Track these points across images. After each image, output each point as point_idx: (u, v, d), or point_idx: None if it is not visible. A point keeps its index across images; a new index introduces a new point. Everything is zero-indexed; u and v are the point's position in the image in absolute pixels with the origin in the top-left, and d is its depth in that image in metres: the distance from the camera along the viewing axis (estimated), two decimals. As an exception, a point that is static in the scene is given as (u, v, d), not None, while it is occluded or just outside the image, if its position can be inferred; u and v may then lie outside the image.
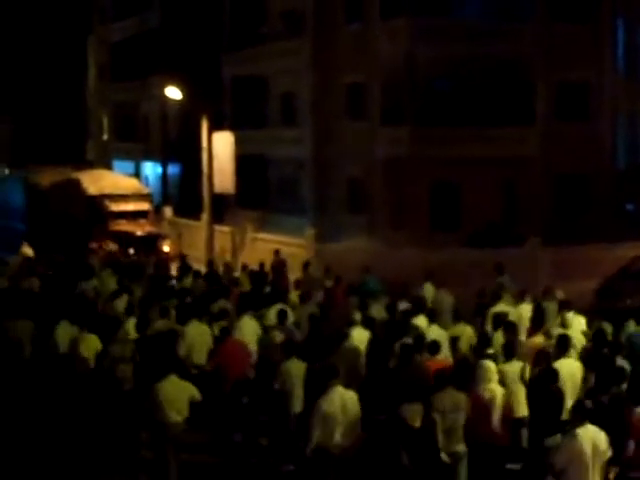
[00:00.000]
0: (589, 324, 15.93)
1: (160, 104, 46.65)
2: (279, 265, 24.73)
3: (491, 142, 33.16)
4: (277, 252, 25.47)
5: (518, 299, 17.80)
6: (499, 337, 14.58)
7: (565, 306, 16.20)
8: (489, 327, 16.15)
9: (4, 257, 25.85)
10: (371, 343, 14.49)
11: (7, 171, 61.62)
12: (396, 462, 11.59)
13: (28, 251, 27.91)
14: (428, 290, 19.44)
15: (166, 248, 32.71)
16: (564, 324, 15.28)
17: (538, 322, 15.68)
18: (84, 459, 13.45)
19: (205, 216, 31.01)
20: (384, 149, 34.29)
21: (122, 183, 37.03)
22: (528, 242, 27.54)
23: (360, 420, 11.35)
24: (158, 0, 50.41)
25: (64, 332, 15.69)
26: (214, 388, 14.03)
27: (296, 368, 13.12)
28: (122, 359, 14.28)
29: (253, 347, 14.96)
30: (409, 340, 13.71)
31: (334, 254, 27.24)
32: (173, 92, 34.28)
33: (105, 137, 60.85)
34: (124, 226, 33.38)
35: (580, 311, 16.60)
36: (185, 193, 45.60)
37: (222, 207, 36.35)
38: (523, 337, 15.68)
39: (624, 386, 11.77)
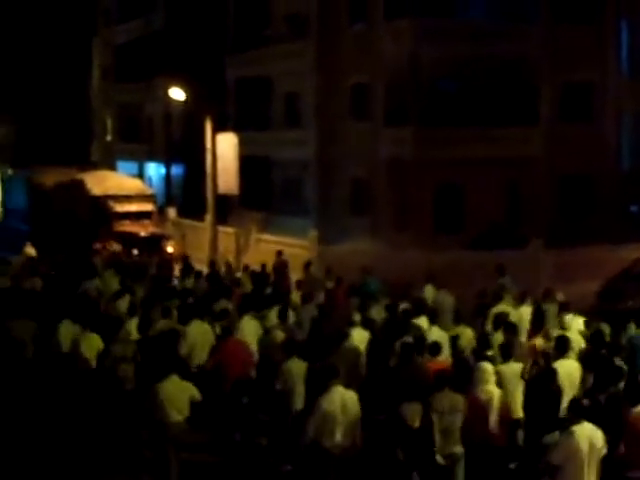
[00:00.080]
0: (589, 325, 15.89)
1: (164, 105, 46.67)
2: (281, 266, 24.72)
3: (495, 143, 33.14)
4: (279, 253, 25.46)
5: (519, 301, 17.78)
6: (499, 338, 14.57)
7: (564, 308, 16.19)
8: (490, 328, 16.13)
9: (7, 257, 25.90)
10: (371, 343, 14.51)
11: (11, 172, 61.64)
12: (393, 460, 11.61)
13: (31, 251, 27.97)
14: (429, 292, 19.44)
15: (170, 249, 32.73)
16: (563, 326, 15.28)
17: (538, 324, 15.66)
18: (86, 458, 13.45)
19: (209, 217, 31.05)
20: (388, 150, 34.28)
21: (126, 184, 37.08)
22: (531, 244, 27.51)
23: (360, 420, 11.36)
24: (162, 2, 50.49)
25: (66, 331, 15.72)
26: (214, 387, 14.04)
27: (297, 367, 13.15)
28: (123, 359, 14.30)
29: (254, 347, 15.00)
30: (409, 339, 13.72)
31: (337, 256, 27.20)
32: (177, 93, 34.34)
33: (109, 138, 60.93)
34: (128, 227, 33.41)
35: (582, 313, 16.58)
36: (189, 194, 45.60)
37: (226, 208, 36.37)
38: (523, 339, 15.66)
39: (621, 385, 11.78)
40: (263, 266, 23.49)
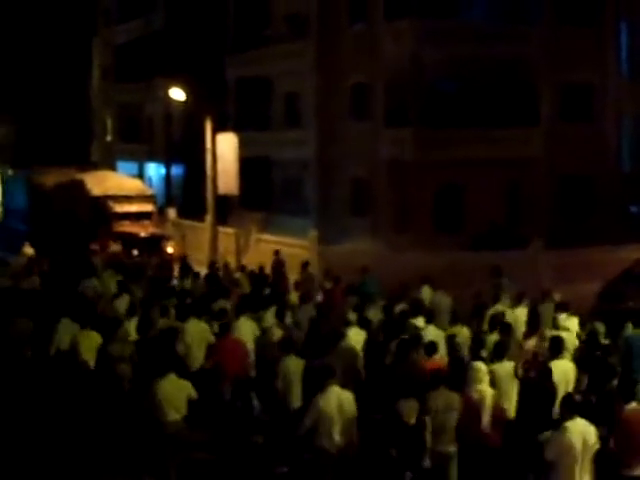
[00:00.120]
0: (584, 326, 15.87)
1: (164, 105, 46.67)
2: (278, 265, 24.74)
3: (495, 143, 33.12)
4: (277, 252, 25.47)
5: (515, 302, 17.75)
6: (494, 338, 14.52)
7: (560, 308, 16.16)
8: (486, 328, 16.10)
9: (5, 257, 25.89)
10: (367, 343, 14.49)
11: (11, 172, 61.57)
12: (387, 458, 11.60)
13: (29, 251, 27.94)
14: (426, 293, 19.41)
15: (170, 249, 32.71)
16: (557, 326, 15.26)
17: (534, 325, 15.64)
18: (86, 458, 13.42)
19: (209, 217, 31.02)
20: (388, 150, 34.25)
21: (126, 184, 37.06)
22: (531, 244, 27.49)
23: (356, 419, 11.35)
24: (162, 2, 50.47)
25: (65, 330, 15.73)
26: (212, 386, 14.02)
27: (294, 365, 13.20)
28: (121, 358, 14.28)
29: (250, 347, 14.97)
30: (406, 337, 13.72)
31: (337, 256, 27.18)
32: (177, 93, 34.32)
33: (109, 138, 60.93)
34: (128, 227, 33.39)
35: (582, 314, 16.55)
36: (189, 194, 45.57)
37: (226, 208, 36.36)
38: (519, 339, 15.62)
39: (615, 382, 11.77)
40: (261, 268, 23.49)
